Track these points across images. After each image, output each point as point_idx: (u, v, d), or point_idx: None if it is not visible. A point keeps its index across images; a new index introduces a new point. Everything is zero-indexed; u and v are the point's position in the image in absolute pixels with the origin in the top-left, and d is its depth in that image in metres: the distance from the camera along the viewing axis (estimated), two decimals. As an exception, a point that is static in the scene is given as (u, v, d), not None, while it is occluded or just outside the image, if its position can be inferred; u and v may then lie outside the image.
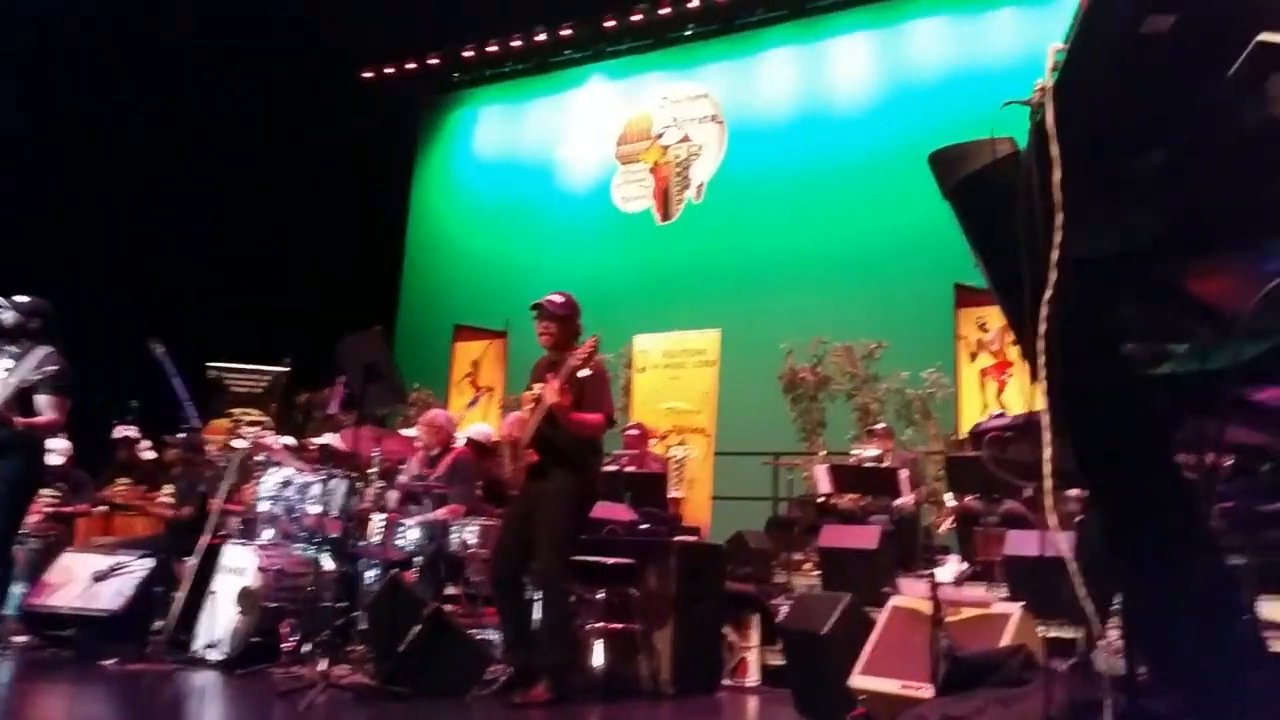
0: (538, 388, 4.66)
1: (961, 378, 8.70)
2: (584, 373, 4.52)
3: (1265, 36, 1.27)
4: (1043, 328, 1.63)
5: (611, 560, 5.12)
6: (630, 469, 7.02)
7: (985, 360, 8.58)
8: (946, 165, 1.91)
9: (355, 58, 13.60)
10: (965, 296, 8.54)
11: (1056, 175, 1.56)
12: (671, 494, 7.72)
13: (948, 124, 9.85)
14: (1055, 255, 1.57)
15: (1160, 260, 1.87)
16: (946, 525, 7.54)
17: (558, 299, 4.78)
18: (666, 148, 12.66)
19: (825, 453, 8.95)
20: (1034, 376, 1.74)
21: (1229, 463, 2.67)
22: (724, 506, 8.86)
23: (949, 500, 7.48)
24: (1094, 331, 1.86)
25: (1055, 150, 1.56)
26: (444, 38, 13.68)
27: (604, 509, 5.76)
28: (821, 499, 7.62)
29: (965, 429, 8.41)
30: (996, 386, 8.53)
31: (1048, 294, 1.59)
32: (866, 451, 7.78)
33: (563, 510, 4.56)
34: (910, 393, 9.36)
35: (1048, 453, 1.75)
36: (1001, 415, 7.68)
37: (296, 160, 11.54)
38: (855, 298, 10.37)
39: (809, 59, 12.11)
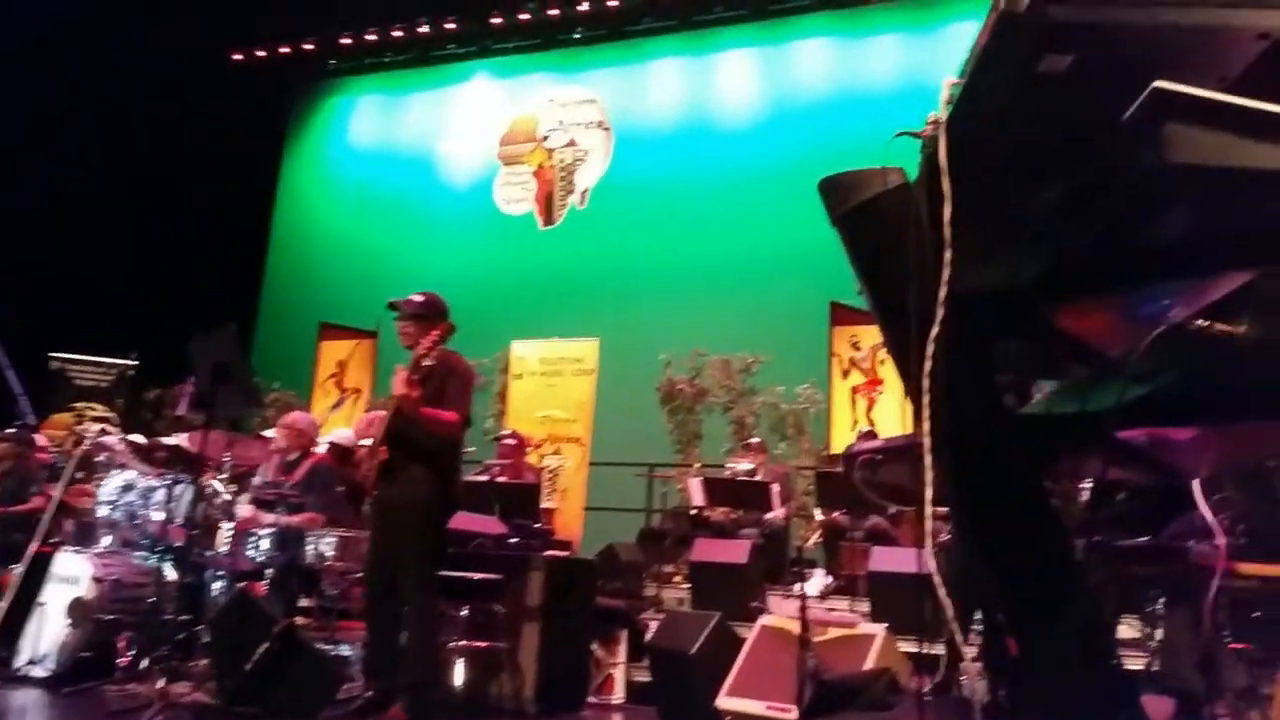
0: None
1: (834, 394, 8.87)
2: (429, 361, 4.34)
3: (1161, 83, 1.24)
4: (928, 365, 1.59)
5: (478, 576, 4.95)
6: (503, 479, 6.85)
7: (857, 378, 8.76)
8: (836, 192, 1.86)
9: (226, 39, 12.96)
10: (840, 314, 8.71)
11: (946, 211, 1.52)
12: (544, 504, 7.58)
13: (829, 143, 10.14)
14: (943, 292, 1.53)
15: (1043, 297, 1.86)
16: (814, 539, 7.64)
17: (417, 298, 4.60)
18: (551, 151, 12.50)
19: (700, 465, 8.98)
20: (916, 406, 1.70)
21: (1085, 490, 2.74)
22: (597, 517, 8.77)
23: (817, 514, 7.58)
24: (977, 365, 1.84)
25: (946, 185, 1.52)
26: (321, 23, 13.18)
27: (473, 522, 5.58)
28: (694, 511, 7.63)
29: (836, 444, 8.57)
30: (866, 404, 8.72)
31: (934, 329, 1.54)
32: (740, 465, 7.85)
33: (421, 524, 4.37)
34: (785, 407, 9.48)
35: (929, 488, 1.72)
36: (871, 433, 7.88)
37: (157, 142, 10.89)
38: (735, 311, 10.45)
39: (697, 71, 12.17)
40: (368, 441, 4.92)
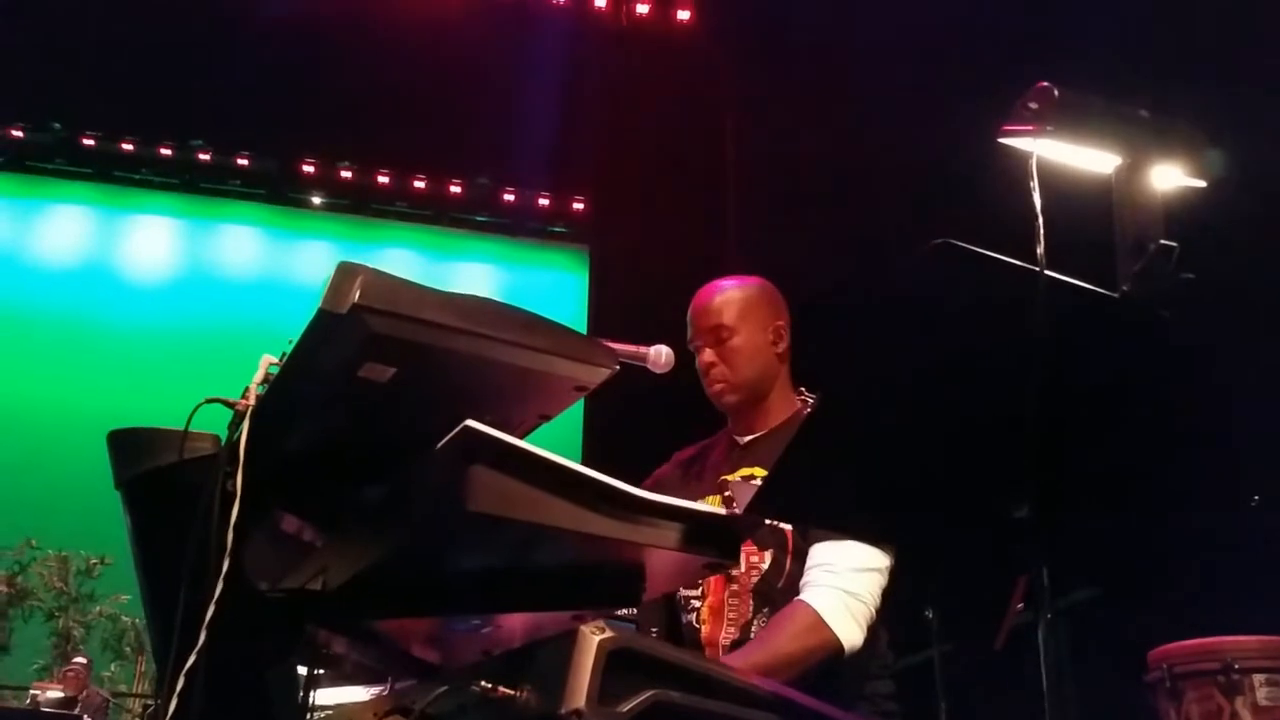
0: None
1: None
2: None
3: (473, 423, 1.15)
4: (180, 684, 1.27)
5: None
6: None
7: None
8: (127, 451, 1.52)
9: None
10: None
11: (234, 512, 1.26)
12: None
13: (239, 323, 9.65)
14: (210, 613, 1.24)
15: (357, 602, 1.67)
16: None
17: None
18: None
19: (-4, 688, 7.28)
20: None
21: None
22: None
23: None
24: (252, 677, 1.57)
25: (239, 481, 1.27)
26: None
27: None
28: (-35, 756, 6.05)
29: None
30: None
31: (191, 659, 1.24)
32: (50, 693, 6.57)
33: None
34: (127, 621, 8.21)
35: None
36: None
37: None
38: (81, 500, 8.92)
39: (103, 223, 11.00)
40: None
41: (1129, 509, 1.44)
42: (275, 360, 1.32)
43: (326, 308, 1.17)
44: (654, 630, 2.34)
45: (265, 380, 1.33)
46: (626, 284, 8.17)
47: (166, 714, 1.24)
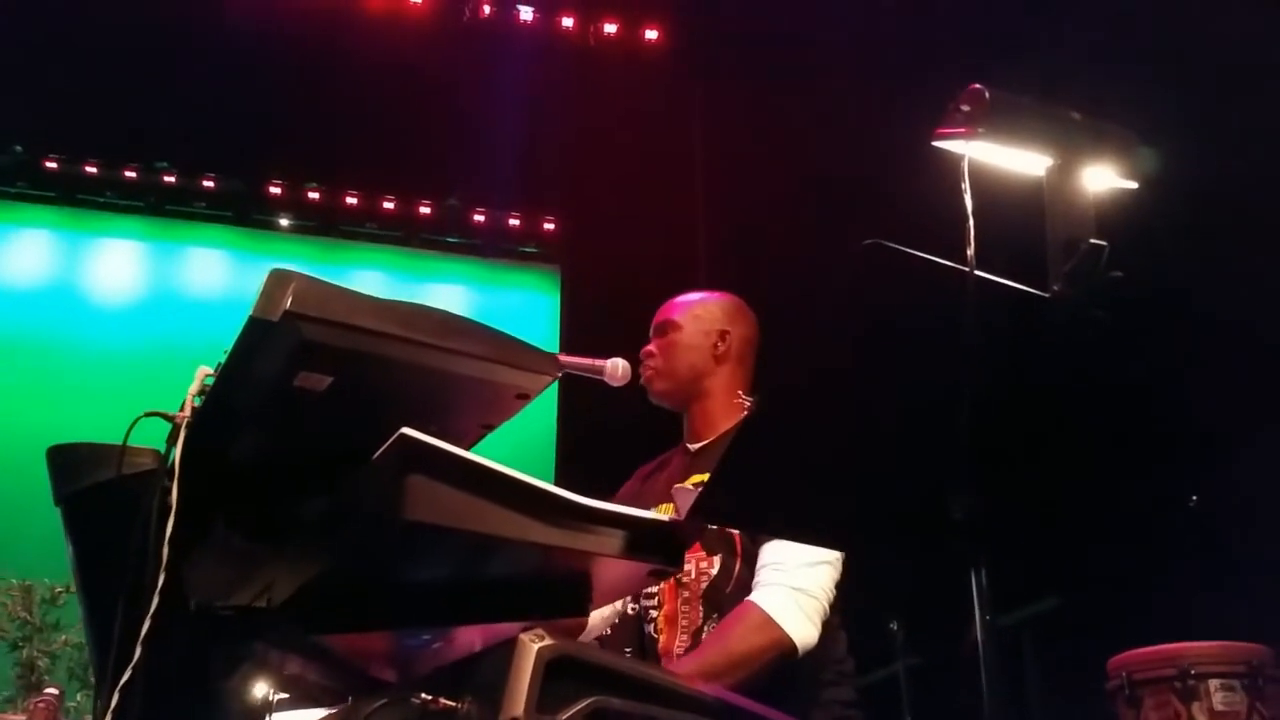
0: None
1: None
2: None
3: (409, 431, 1.13)
4: (115, 699, 1.24)
5: None
6: None
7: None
8: (66, 466, 1.50)
9: None
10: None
11: (169, 525, 1.24)
12: None
13: (207, 346, 9.51)
14: (146, 627, 1.22)
15: (308, 616, 1.64)
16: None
17: None
18: None
19: (-50, 723, 7.10)
20: None
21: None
22: None
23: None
24: (199, 697, 1.55)
25: (175, 495, 1.25)
26: None
27: None
28: (-79, 791, 5.88)
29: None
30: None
31: (126, 674, 1.21)
32: None
33: None
34: (91, 649, 8.05)
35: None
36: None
37: None
38: (44, 527, 8.76)
39: (68, 247, 10.85)
40: None
41: (1073, 514, 1.45)
42: (211, 371, 1.30)
43: (258, 315, 1.16)
44: (628, 650, 2.32)
45: (202, 392, 1.31)
46: (598, 303, 8.14)
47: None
